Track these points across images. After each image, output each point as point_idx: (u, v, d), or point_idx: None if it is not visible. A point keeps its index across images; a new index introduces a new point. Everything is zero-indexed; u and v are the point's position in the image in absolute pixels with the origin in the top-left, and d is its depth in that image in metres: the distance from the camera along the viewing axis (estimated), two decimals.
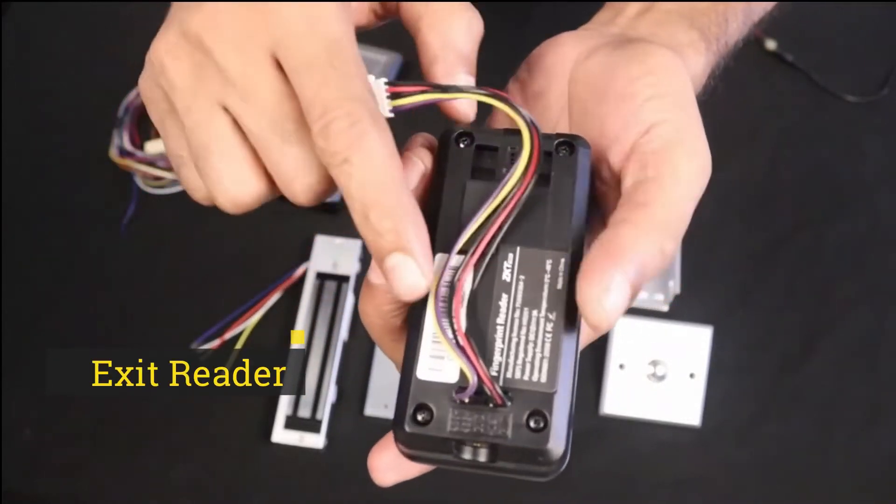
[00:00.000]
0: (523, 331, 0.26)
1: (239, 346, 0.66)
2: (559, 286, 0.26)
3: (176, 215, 0.71)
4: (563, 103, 0.32)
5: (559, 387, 0.26)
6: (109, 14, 0.79)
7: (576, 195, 0.28)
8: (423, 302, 0.26)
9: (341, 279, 0.67)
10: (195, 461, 0.64)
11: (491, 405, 0.25)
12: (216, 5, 0.28)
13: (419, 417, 0.26)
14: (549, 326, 0.26)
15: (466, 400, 0.25)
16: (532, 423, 0.25)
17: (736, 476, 0.64)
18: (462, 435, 0.25)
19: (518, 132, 0.27)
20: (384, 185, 0.25)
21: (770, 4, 0.44)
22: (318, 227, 0.69)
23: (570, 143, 0.29)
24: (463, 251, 0.26)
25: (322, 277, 0.67)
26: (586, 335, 0.30)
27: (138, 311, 0.68)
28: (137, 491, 0.63)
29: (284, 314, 0.67)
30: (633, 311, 0.67)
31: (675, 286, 0.66)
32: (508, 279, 0.26)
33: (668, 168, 0.28)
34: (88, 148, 0.73)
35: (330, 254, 0.68)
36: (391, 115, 0.28)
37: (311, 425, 0.63)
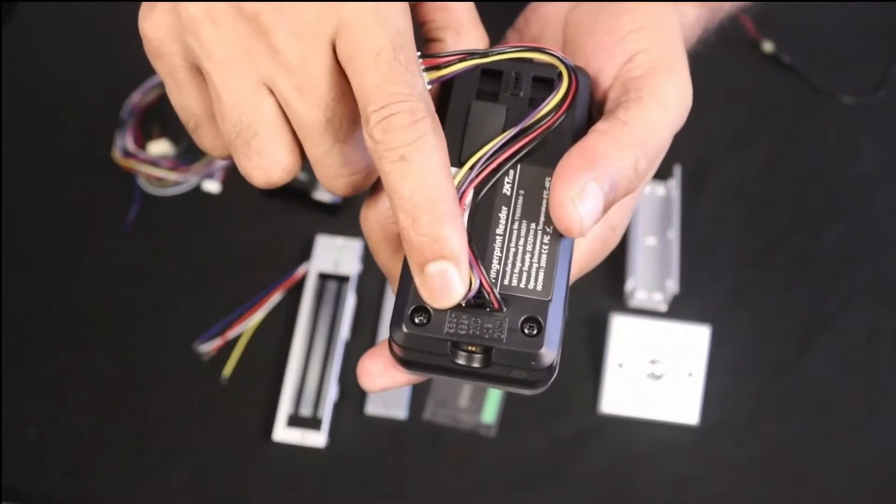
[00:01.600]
0: (521, 241, 0.27)
1: (240, 345, 0.66)
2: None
3: (178, 216, 0.71)
4: (557, 46, 0.33)
5: (553, 295, 0.26)
6: (112, 14, 0.79)
7: (575, 120, 0.29)
8: None
9: (342, 279, 0.67)
10: (196, 460, 0.64)
11: (488, 309, 0.26)
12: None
13: (417, 319, 0.26)
14: (546, 239, 0.27)
15: (464, 303, 0.25)
16: (526, 329, 0.26)
17: (734, 474, 0.64)
18: (458, 336, 0.25)
19: (522, 59, 0.29)
20: (438, 189, 0.25)
21: None
22: (319, 227, 0.69)
23: (573, 71, 0.30)
24: (466, 165, 0.27)
25: (323, 277, 0.67)
26: (580, 263, 0.31)
27: (140, 311, 0.69)
28: (139, 490, 0.64)
29: (286, 314, 0.67)
30: (631, 311, 0.67)
31: (673, 285, 0.66)
32: (508, 193, 0.27)
33: (649, 90, 0.29)
34: (91, 149, 0.73)
35: (331, 254, 0.68)
36: (429, 87, 0.28)
37: (313, 424, 0.63)
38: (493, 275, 0.26)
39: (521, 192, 0.27)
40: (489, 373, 0.26)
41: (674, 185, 0.70)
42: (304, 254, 0.68)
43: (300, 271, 0.67)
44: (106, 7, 0.79)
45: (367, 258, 0.69)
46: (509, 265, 0.26)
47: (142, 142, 0.73)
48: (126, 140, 0.72)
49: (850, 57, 0.77)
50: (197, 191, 0.71)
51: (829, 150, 0.74)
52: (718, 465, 0.64)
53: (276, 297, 0.67)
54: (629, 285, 0.67)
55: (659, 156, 0.29)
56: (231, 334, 0.66)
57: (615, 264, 0.68)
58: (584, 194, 0.26)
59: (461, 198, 0.26)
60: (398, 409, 0.65)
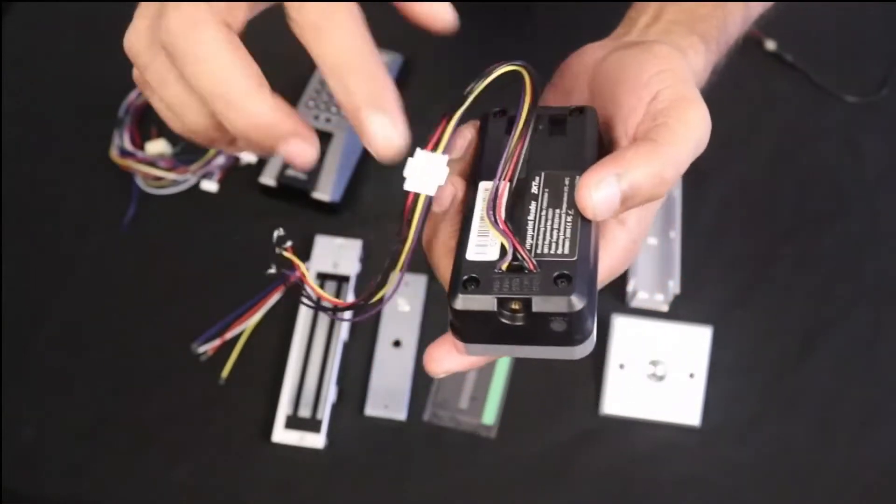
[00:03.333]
0: (549, 222, 0.32)
1: (239, 346, 0.66)
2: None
3: (176, 216, 0.71)
4: (586, 97, 0.38)
5: (578, 255, 0.31)
6: (110, 14, 0.79)
7: (586, 139, 0.35)
8: (471, 211, 0.33)
9: (342, 279, 0.67)
10: (195, 461, 0.64)
11: (526, 272, 0.30)
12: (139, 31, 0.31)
13: (469, 287, 0.31)
14: (569, 218, 0.32)
15: (504, 267, 0.30)
16: (559, 283, 0.30)
17: (736, 476, 0.64)
18: (502, 292, 0.30)
19: (541, 107, 0.35)
20: (358, 49, 0.28)
21: (768, 4, 0.48)
22: (318, 227, 0.69)
23: (581, 108, 0.36)
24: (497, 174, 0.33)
25: (322, 277, 0.67)
26: (606, 270, 0.34)
27: (138, 311, 0.68)
28: (138, 491, 0.63)
29: (284, 314, 0.67)
30: (632, 311, 0.67)
31: (674, 286, 0.66)
32: (536, 192, 0.33)
33: (675, 116, 0.33)
34: (89, 148, 0.73)
35: (330, 254, 0.68)
36: (447, 158, 0.33)
37: (312, 425, 0.63)
38: (528, 245, 0.31)
39: (546, 190, 0.33)
40: (532, 329, 0.30)
41: (675, 184, 0.69)
42: (304, 254, 0.68)
43: (297, 272, 0.67)
44: (104, 7, 0.79)
45: (367, 258, 0.69)
46: (540, 238, 0.31)
47: (139, 141, 0.73)
48: (124, 139, 0.72)
49: (854, 56, 0.77)
50: (195, 190, 0.71)
51: (832, 149, 0.74)
52: (720, 467, 0.64)
53: (274, 298, 0.67)
54: (630, 286, 0.66)
55: (683, 166, 0.33)
56: (230, 335, 0.66)
57: None
58: (602, 184, 0.31)
59: (500, 192, 0.32)
60: (398, 411, 0.64)
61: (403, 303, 0.67)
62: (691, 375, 0.64)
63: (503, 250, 0.31)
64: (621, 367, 0.65)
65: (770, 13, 0.50)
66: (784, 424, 0.65)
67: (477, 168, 0.35)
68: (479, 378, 0.66)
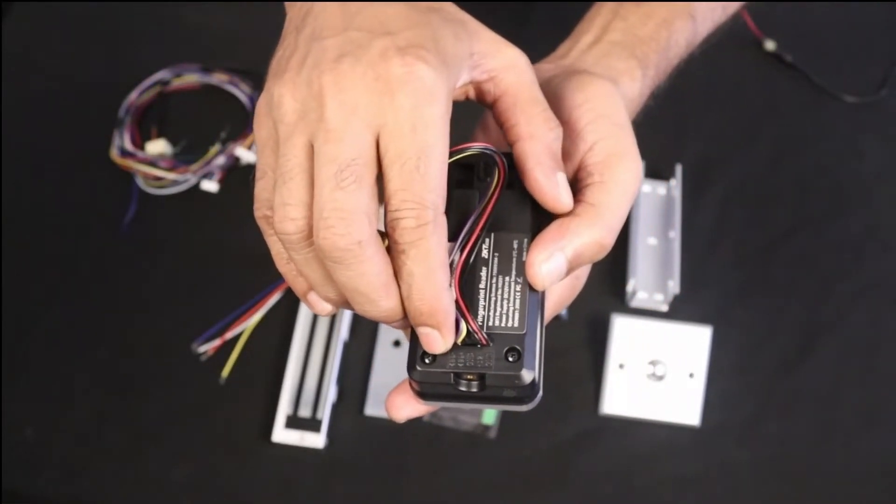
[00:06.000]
0: (499, 292, 0.34)
1: (239, 346, 0.66)
2: (524, 258, 0.35)
3: (176, 216, 0.71)
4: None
5: (528, 328, 0.33)
6: (110, 14, 0.79)
7: (528, 194, 0.36)
8: None
9: None
10: (195, 461, 0.64)
11: (479, 346, 0.33)
12: (348, 72, 0.31)
13: (426, 360, 0.33)
14: (518, 287, 0.34)
15: (459, 342, 0.33)
16: (509, 357, 0.33)
17: (735, 476, 0.64)
18: (458, 368, 0.33)
19: (478, 153, 0.35)
20: (430, 276, 0.32)
21: (717, 23, 0.49)
22: None
23: None
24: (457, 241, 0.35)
25: None
26: (552, 306, 0.38)
27: (139, 311, 0.68)
28: (138, 491, 0.63)
29: (284, 314, 0.67)
30: (632, 311, 0.67)
31: (674, 286, 0.66)
32: (486, 256, 0.35)
33: (609, 174, 0.36)
34: (89, 148, 0.73)
35: None
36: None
37: (312, 425, 0.63)
38: (480, 319, 0.34)
39: (496, 254, 0.35)
40: (486, 395, 0.33)
41: (675, 184, 0.69)
42: None
43: None
44: (104, 7, 0.79)
45: None
46: (491, 311, 0.34)
47: (140, 141, 0.73)
48: (124, 139, 0.72)
49: (853, 56, 0.77)
50: (195, 190, 0.71)
51: (831, 149, 0.74)
52: (719, 466, 0.64)
53: (275, 298, 0.67)
54: (630, 286, 0.66)
55: (619, 228, 0.35)
56: (230, 335, 0.66)
57: (616, 265, 0.68)
58: (550, 259, 0.34)
59: (458, 267, 0.34)
60: None
61: None
62: (691, 375, 0.64)
63: (458, 322, 0.33)
64: (621, 366, 0.65)
65: (724, 27, 0.50)
66: (784, 424, 0.65)
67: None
68: None
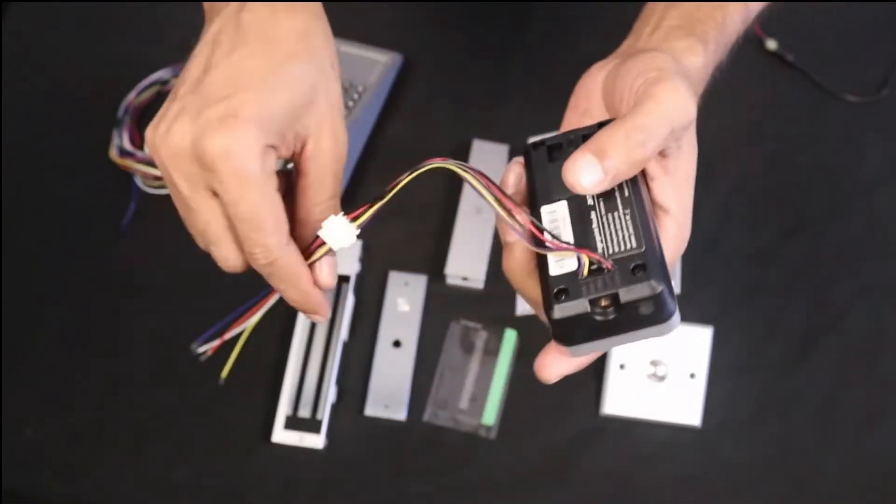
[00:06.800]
0: (611, 226, 0.35)
1: (239, 346, 0.66)
2: (626, 194, 0.36)
3: (176, 215, 0.70)
4: (603, 112, 0.42)
5: (646, 246, 0.34)
6: (109, 14, 0.79)
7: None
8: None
9: (341, 279, 0.67)
10: (195, 461, 0.64)
11: (605, 271, 0.34)
12: (181, 149, 0.36)
13: (560, 297, 0.34)
14: (628, 215, 0.35)
15: (585, 273, 0.34)
16: (636, 272, 0.34)
17: (736, 476, 0.63)
18: (591, 294, 0.34)
19: (590, 128, 0.38)
20: (294, 283, 0.40)
21: (765, 3, 0.50)
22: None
23: (606, 122, 0.38)
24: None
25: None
26: (668, 256, 0.37)
27: (138, 310, 0.68)
28: (138, 491, 0.63)
29: (284, 315, 0.67)
30: None
31: (675, 286, 0.66)
32: (592, 203, 0.36)
33: (647, 96, 0.36)
34: (88, 148, 0.73)
35: None
36: (358, 232, 0.39)
37: (311, 425, 0.63)
38: (600, 251, 0.35)
39: (600, 198, 0.37)
40: (625, 318, 0.34)
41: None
42: None
43: None
44: (103, 7, 0.79)
45: (367, 258, 0.69)
46: (609, 241, 0.35)
47: (138, 141, 0.73)
48: (123, 139, 0.72)
49: (855, 55, 0.77)
50: None
51: (832, 149, 0.74)
52: (721, 467, 0.64)
53: (274, 298, 0.67)
54: None
55: (654, 130, 0.36)
56: (230, 335, 0.66)
57: None
58: (578, 163, 0.35)
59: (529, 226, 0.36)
60: (397, 411, 0.64)
61: (403, 303, 0.67)
62: (692, 375, 0.64)
63: (580, 261, 0.35)
64: (622, 367, 0.64)
65: (770, 8, 0.51)
66: (785, 424, 0.65)
67: (534, 195, 0.38)
68: (479, 378, 0.66)
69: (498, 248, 0.69)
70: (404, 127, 0.74)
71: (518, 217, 0.36)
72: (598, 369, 0.65)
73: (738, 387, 0.65)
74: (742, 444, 0.64)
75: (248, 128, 0.35)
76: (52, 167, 0.74)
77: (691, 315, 0.66)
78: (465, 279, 0.68)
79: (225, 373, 0.65)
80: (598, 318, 0.34)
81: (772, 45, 0.76)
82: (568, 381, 0.66)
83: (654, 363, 0.65)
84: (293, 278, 0.39)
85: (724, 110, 0.75)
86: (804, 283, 0.69)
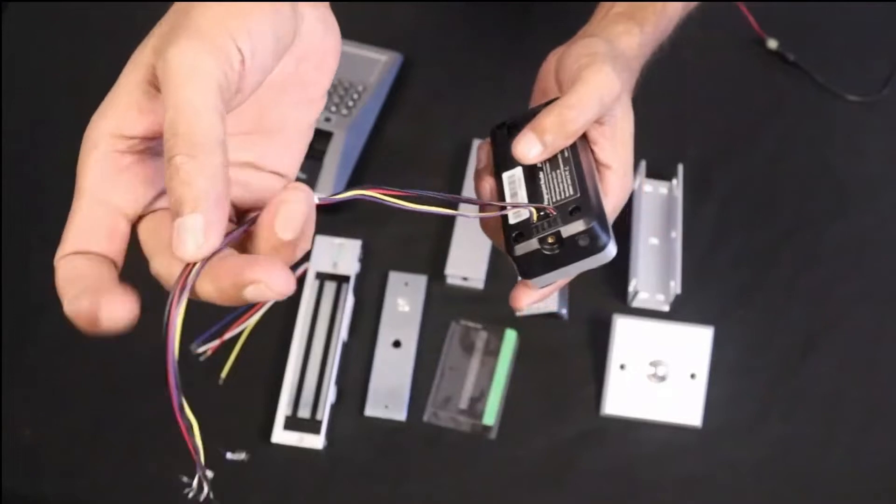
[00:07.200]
0: (554, 181, 0.43)
1: (238, 346, 0.66)
2: (566, 156, 0.44)
3: None
4: (556, 91, 0.48)
5: (580, 192, 0.42)
6: (109, 14, 0.79)
7: None
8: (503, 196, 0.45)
9: (341, 279, 0.67)
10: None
11: (551, 216, 0.41)
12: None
13: (518, 240, 0.41)
14: (567, 172, 0.43)
15: (535, 219, 0.42)
16: (572, 214, 0.41)
17: (737, 476, 0.63)
18: (539, 233, 0.41)
19: (538, 107, 0.45)
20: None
21: None
22: (317, 227, 0.68)
23: (551, 101, 0.45)
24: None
25: (322, 277, 0.67)
26: (612, 207, 0.45)
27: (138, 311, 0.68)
28: (137, 491, 0.63)
29: (284, 315, 0.67)
30: (634, 312, 0.67)
31: (675, 286, 0.65)
32: (540, 165, 0.44)
33: (578, 78, 0.43)
34: None
35: (330, 254, 0.67)
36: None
37: (311, 426, 0.63)
38: (545, 202, 0.42)
39: (546, 161, 0.44)
40: (569, 251, 0.41)
41: (676, 184, 0.69)
42: (303, 254, 0.68)
43: (298, 272, 0.67)
44: (104, 7, 0.79)
45: (366, 258, 0.69)
46: (553, 193, 0.42)
47: None
48: None
49: (856, 55, 0.77)
50: None
51: (833, 148, 0.74)
52: (721, 467, 0.63)
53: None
54: (632, 286, 0.66)
55: (584, 108, 0.43)
56: (229, 335, 0.66)
57: (618, 265, 0.67)
58: (523, 139, 0.43)
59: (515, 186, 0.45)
60: (397, 411, 0.64)
61: (403, 303, 0.67)
62: (692, 376, 0.64)
63: (529, 211, 0.42)
64: (622, 367, 0.64)
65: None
66: (786, 425, 0.65)
67: (497, 164, 0.46)
68: (479, 378, 0.65)
69: (498, 249, 0.69)
70: (404, 127, 0.74)
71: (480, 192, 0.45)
72: (598, 370, 0.65)
73: (739, 387, 0.65)
74: (742, 444, 0.64)
75: (86, 137, 0.36)
76: (53, 167, 0.73)
77: (692, 315, 0.66)
78: (465, 279, 0.68)
79: (225, 372, 0.65)
80: (547, 252, 0.41)
81: (773, 44, 0.76)
82: (568, 381, 0.66)
83: (654, 363, 0.64)
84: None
85: (724, 110, 0.75)
86: (805, 282, 0.69)
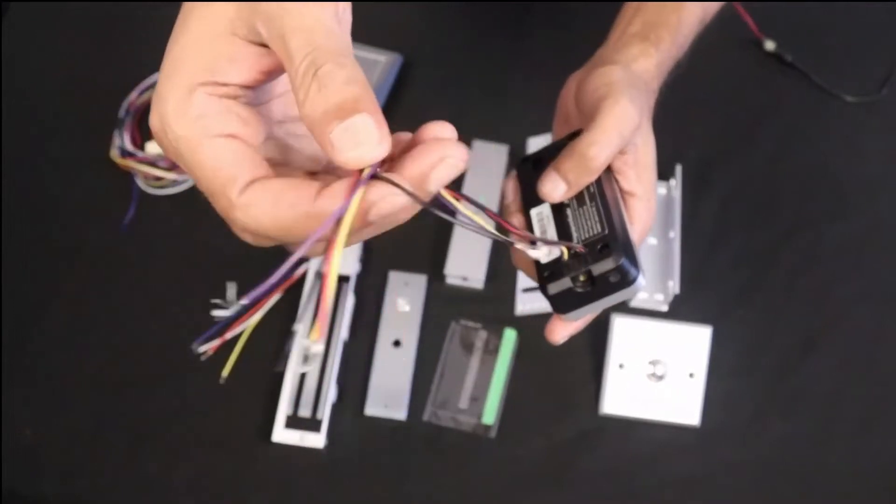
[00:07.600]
0: (582, 217, 0.44)
1: (239, 346, 0.66)
2: (592, 191, 0.44)
3: (176, 215, 0.71)
4: (578, 118, 0.48)
5: (608, 229, 0.42)
6: (110, 14, 0.79)
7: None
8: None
9: (342, 279, 0.67)
10: (195, 461, 0.64)
11: (580, 255, 0.42)
12: (156, 131, 0.33)
13: (550, 278, 0.42)
14: (594, 207, 0.44)
15: (566, 258, 0.42)
16: (601, 252, 0.42)
17: (735, 476, 0.63)
18: (571, 272, 0.42)
19: (562, 141, 0.46)
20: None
21: (720, 4, 0.56)
22: None
23: (575, 132, 0.45)
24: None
25: (322, 277, 0.67)
26: (639, 232, 0.46)
27: (138, 310, 0.68)
28: (137, 491, 0.63)
29: (284, 315, 0.67)
30: (632, 311, 0.67)
31: (674, 286, 0.66)
32: (567, 202, 0.45)
33: (597, 112, 0.44)
34: (89, 148, 0.73)
35: None
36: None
37: (312, 425, 0.63)
38: (575, 240, 0.43)
39: (572, 198, 0.45)
40: (601, 288, 0.42)
41: (675, 184, 0.69)
42: None
43: (299, 272, 0.67)
44: (104, 7, 0.79)
45: (367, 259, 0.69)
46: (581, 230, 0.43)
47: (139, 141, 0.73)
48: (124, 139, 0.72)
49: (854, 56, 0.77)
50: (195, 190, 0.71)
51: (832, 149, 0.74)
52: (720, 467, 0.64)
53: (275, 298, 0.67)
54: None
55: (604, 144, 0.43)
56: (230, 335, 0.66)
57: None
58: (548, 178, 0.44)
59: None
60: (398, 411, 0.64)
61: (403, 303, 0.67)
62: (691, 375, 0.64)
63: (561, 251, 0.43)
64: (621, 366, 0.64)
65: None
66: (784, 424, 0.65)
67: (525, 202, 0.46)
68: (479, 378, 0.66)
69: (497, 249, 0.69)
70: (404, 127, 0.74)
71: (515, 231, 0.44)
72: (597, 369, 0.65)
73: (737, 387, 0.65)
74: (741, 443, 0.64)
75: (164, 100, 0.32)
76: (53, 167, 0.74)
77: (691, 315, 0.66)
78: (465, 279, 0.68)
79: (225, 372, 0.65)
80: (580, 290, 0.42)
81: (771, 45, 0.76)
82: (567, 381, 0.66)
83: (653, 363, 0.65)
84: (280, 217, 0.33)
85: (723, 110, 0.75)
86: (804, 282, 0.69)
